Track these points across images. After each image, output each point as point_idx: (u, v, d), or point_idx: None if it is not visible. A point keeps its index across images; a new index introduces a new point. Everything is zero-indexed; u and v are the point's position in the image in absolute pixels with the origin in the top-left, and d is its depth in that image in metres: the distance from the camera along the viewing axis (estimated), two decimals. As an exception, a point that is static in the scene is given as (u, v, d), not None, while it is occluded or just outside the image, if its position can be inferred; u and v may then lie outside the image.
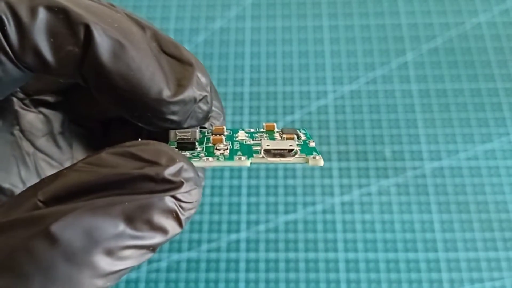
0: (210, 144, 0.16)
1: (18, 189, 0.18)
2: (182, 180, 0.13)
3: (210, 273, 0.35)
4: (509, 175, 0.37)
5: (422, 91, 0.40)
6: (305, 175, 0.38)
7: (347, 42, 0.43)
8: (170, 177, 0.13)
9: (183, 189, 0.13)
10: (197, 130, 0.17)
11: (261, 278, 0.34)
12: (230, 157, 0.15)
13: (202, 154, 0.15)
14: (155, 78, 0.14)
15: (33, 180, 0.19)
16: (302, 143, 0.16)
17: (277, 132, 0.18)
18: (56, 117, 0.20)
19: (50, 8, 0.13)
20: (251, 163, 0.15)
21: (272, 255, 0.35)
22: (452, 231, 0.35)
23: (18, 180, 0.18)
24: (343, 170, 0.38)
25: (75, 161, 0.21)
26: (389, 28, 0.43)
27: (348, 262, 0.35)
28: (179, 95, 0.15)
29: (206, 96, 0.16)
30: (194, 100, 0.15)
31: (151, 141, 0.14)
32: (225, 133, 0.18)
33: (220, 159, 0.15)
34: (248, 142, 0.17)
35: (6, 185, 0.18)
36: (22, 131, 0.19)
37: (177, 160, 0.13)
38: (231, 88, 0.41)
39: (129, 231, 0.12)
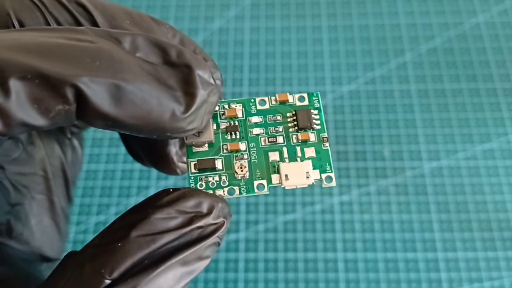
0: (227, 151, 0.17)
1: (10, 214, 0.19)
2: (224, 220, 0.15)
3: (209, 273, 0.35)
4: (507, 175, 0.37)
5: (421, 91, 0.41)
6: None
7: (346, 42, 0.43)
8: (214, 221, 0.15)
9: (224, 227, 0.15)
10: (211, 129, 0.17)
11: (260, 278, 0.34)
12: (251, 189, 0.17)
13: (224, 178, 0.17)
14: (163, 101, 0.14)
15: (12, 195, 0.19)
16: (316, 140, 0.18)
17: (291, 114, 0.19)
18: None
19: (22, 78, 0.12)
20: (269, 188, 0.17)
21: (271, 255, 0.35)
22: (450, 231, 0.35)
23: (6, 205, 0.19)
24: (342, 170, 0.38)
25: (48, 160, 0.20)
26: (388, 28, 0.44)
27: (347, 262, 0.35)
28: (192, 106, 0.14)
29: (213, 89, 0.15)
30: (205, 100, 0.15)
31: (185, 191, 0.15)
32: (239, 115, 0.18)
33: (242, 192, 0.17)
34: (263, 143, 0.18)
35: (2, 220, 0.19)
36: None
37: (215, 205, 0.15)
38: (230, 88, 0.41)
39: (185, 271, 0.14)
